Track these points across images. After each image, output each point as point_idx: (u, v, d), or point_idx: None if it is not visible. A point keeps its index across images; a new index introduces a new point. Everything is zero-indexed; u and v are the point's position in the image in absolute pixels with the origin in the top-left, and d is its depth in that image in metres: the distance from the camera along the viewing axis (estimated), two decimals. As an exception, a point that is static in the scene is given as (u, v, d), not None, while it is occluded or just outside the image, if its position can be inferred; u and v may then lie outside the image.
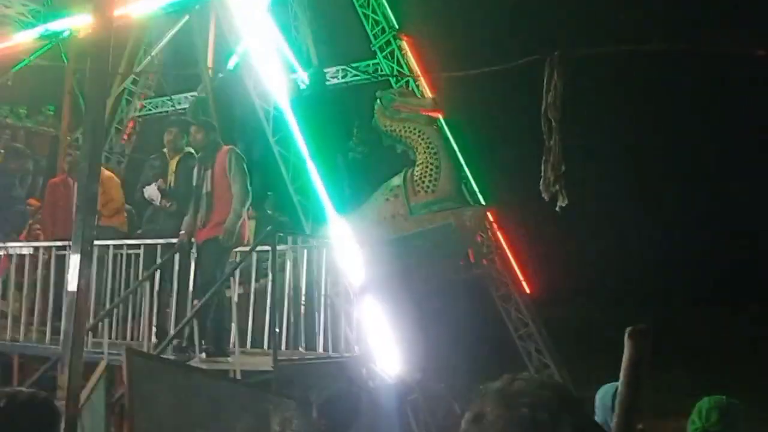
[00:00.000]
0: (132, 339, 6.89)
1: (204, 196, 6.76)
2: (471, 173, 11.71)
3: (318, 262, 7.32)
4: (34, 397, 2.45)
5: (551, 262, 12.11)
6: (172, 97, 15.14)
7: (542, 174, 5.61)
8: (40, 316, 7.37)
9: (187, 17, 11.94)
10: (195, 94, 13.13)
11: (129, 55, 14.66)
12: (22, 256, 7.91)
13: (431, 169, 8.76)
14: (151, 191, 7.22)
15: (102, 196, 6.64)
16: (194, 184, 6.84)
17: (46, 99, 13.32)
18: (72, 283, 3.51)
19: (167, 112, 15.24)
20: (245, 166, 6.78)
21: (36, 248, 7.89)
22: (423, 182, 8.79)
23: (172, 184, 7.29)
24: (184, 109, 15.00)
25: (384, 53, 13.23)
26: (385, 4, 13.45)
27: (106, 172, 8.05)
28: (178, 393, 5.27)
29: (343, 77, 13.54)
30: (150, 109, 15.67)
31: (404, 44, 13.20)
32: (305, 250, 7.38)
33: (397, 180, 9.05)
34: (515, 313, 11.66)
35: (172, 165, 7.38)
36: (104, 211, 7.56)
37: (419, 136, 9.01)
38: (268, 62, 8.96)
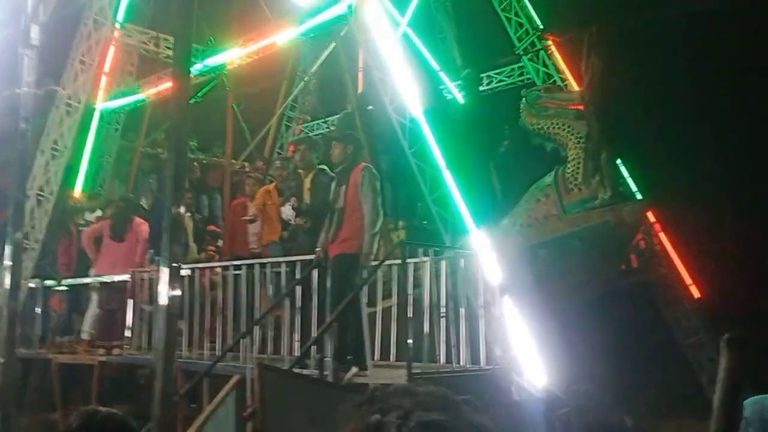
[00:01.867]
0: (275, 353, 7.10)
1: (336, 211, 6.86)
2: (626, 168, 11.00)
3: (457, 273, 7.18)
4: (111, 417, 2.49)
5: (725, 264, 11.06)
6: (327, 119, 15.75)
7: None
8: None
9: (334, 43, 12.35)
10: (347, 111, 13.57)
11: (287, 83, 15.42)
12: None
13: (584, 165, 8.37)
14: (287, 212, 7.45)
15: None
16: (330, 198, 6.96)
17: (215, 134, 14.17)
18: (162, 298, 3.69)
19: (323, 133, 15.82)
20: (378, 184, 6.78)
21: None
22: (576, 179, 8.42)
23: (308, 201, 7.47)
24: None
25: (529, 55, 12.88)
26: (528, 5, 13.12)
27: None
28: (312, 408, 5.32)
29: (488, 84, 13.33)
30: (307, 133, 16.27)
31: (550, 44, 12.77)
32: (443, 261, 7.27)
33: (548, 179, 8.73)
34: (684, 321, 10.79)
35: (307, 182, 7.57)
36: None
37: (569, 132, 8.66)
38: (405, 74, 8.97)
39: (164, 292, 6.40)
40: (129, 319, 9.40)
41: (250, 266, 7.52)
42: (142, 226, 10.27)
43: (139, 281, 9.25)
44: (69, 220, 10.86)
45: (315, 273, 6.94)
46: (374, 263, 6.78)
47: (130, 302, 9.47)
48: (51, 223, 10.39)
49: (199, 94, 14.32)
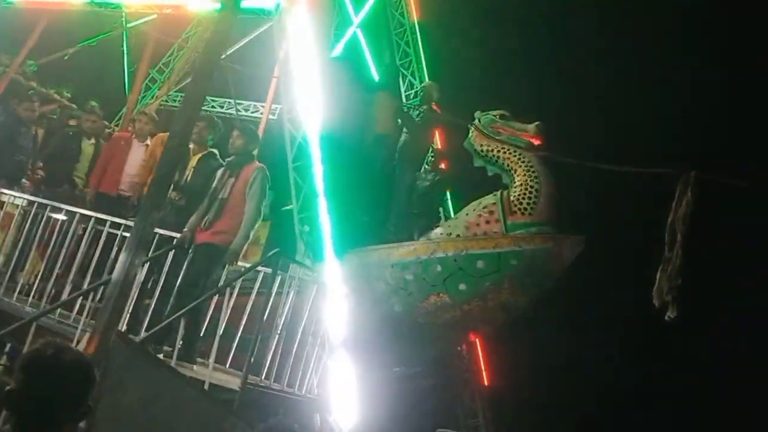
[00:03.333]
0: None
1: (217, 200, 6.71)
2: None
3: (308, 298, 7.25)
4: (81, 359, 2.46)
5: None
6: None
7: (656, 282, 5.64)
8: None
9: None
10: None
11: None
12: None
13: (531, 192, 8.60)
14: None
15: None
16: (213, 186, 6.80)
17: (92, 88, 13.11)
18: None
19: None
20: (267, 188, 6.75)
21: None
22: (521, 204, 8.61)
23: (188, 179, 7.24)
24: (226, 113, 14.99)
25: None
26: (425, 71, 13.69)
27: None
28: (148, 388, 5.12)
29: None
30: (165, 101, 15.53)
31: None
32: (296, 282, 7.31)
33: (491, 199, 8.93)
34: (469, 402, 11.58)
35: (193, 160, 7.34)
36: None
37: (519, 159, 8.91)
38: (313, 91, 8.96)
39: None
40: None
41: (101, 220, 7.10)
42: None
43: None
44: None
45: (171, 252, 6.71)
46: (241, 264, 6.69)
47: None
48: None
49: (92, 39, 13.34)
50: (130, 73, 14.50)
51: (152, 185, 3.90)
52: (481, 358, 12.09)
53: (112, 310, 4.02)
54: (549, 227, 8.51)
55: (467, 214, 9.08)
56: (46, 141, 9.89)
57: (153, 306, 6.58)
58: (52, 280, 7.07)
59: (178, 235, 6.76)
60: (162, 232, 6.78)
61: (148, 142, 8.91)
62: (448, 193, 12.10)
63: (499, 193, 8.90)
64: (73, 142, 9.19)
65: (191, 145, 7.36)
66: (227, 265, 6.66)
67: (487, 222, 8.76)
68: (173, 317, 5.90)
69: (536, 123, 9.00)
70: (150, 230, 4.37)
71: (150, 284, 6.92)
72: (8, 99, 9.75)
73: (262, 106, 13.48)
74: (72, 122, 10.33)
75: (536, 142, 9.10)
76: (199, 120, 7.33)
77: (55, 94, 11.82)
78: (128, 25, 12.70)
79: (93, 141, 9.29)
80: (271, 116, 12.90)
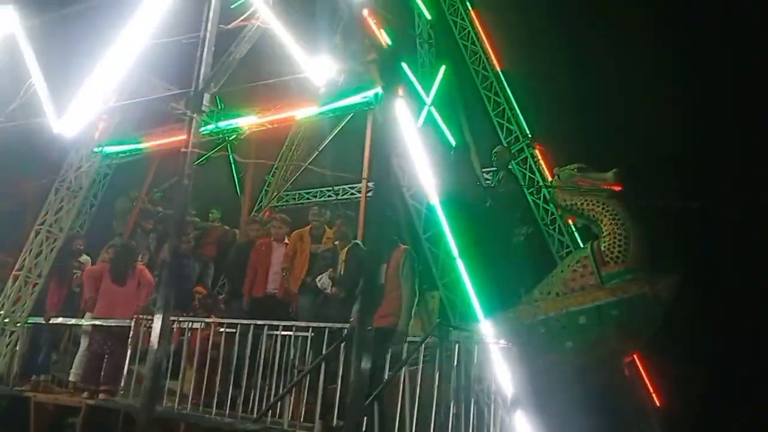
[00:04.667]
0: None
1: (378, 287, 7.29)
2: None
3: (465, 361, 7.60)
4: None
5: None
6: (310, 190, 16.27)
7: None
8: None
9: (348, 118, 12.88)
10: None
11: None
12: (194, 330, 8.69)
13: (620, 239, 8.88)
14: (324, 280, 7.87)
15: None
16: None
17: (211, 200, 14.38)
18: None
19: (302, 203, 16.28)
20: (416, 266, 7.30)
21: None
22: (612, 253, 8.89)
23: (341, 272, 7.91)
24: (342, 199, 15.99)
25: (517, 160, 13.82)
26: (519, 114, 14.14)
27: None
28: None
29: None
30: (287, 201, 16.65)
31: (537, 152, 13.77)
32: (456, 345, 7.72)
33: (583, 252, 9.23)
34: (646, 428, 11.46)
35: (342, 255, 8.03)
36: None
37: (603, 208, 9.21)
38: (424, 163, 9.52)
39: (155, 341, 6.73)
40: (126, 365, 9.43)
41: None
42: (145, 271, 10.42)
43: (144, 328, 9.33)
44: (69, 260, 10.86)
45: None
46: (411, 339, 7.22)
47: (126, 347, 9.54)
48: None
49: (203, 157, 14.71)
50: (239, 180, 15.78)
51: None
52: (647, 380, 12.00)
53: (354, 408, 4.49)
54: (643, 272, 8.68)
55: (563, 271, 9.36)
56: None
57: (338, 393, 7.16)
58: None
59: (344, 326, 7.38)
60: (331, 325, 7.45)
61: (286, 241, 9.76)
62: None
63: (589, 244, 9.11)
64: (245, 254, 10.02)
65: (336, 242, 8.09)
66: (396, 344, 7.17)
67: (582, 276, 9.02)
68: (368, 401, 6.44)
69: (614, 170, 9.28)
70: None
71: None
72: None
73: (350, 187, 14.69)
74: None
75: (616, 189, 9.35)
76: (336, 218, 8.08)
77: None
78: (231, 138, 13.91)
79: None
80: (369, 194, 13.71)
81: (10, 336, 9.85)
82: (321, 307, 8.09)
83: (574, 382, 8.91)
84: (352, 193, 15.47)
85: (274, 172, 16.56)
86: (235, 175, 15.59)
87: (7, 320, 9.90)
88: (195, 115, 6.02)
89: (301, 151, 15.91)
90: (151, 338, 6.82)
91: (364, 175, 13.32)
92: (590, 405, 10.02)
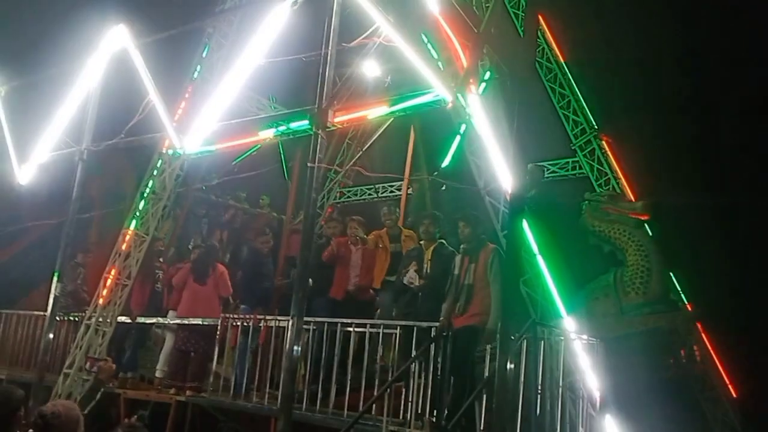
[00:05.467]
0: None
1: (465, 286, 7.43)
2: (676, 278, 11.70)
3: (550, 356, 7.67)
4: None
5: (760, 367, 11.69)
6: (373, 186, 16.49)
7: None
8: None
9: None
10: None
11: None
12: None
13: (642, 272, 9.02)
14: (410, 275, 8.03)
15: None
16: (455, 273, 7.53)
17: (262, 188, 14.76)
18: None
19: (364, 199, 16.50)
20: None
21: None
22: (634, 284, 9.05)
23: (428, 271, 8.05)
24: (382, 197, 16.22)
25: (584, 152, 13.76)
26: (585, 106, 14.05)
27: None
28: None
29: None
30: (349, 197, 16.88)
31: (604, 144, 13.68)
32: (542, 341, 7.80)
33: (607, 279, 9.34)
34: (722, 418, 11.40)
35: (428, 253, 8.17)
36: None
37: (629, 238, 9.33)
38: (501, 161, 9.55)
39: (291, 345, 6.93)
40: (214, 363, 9.76)
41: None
42: (225, 273, 10.73)
43: (230, 327, 9.63)
44: (153, 260, 11.25)
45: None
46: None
47: (211, 346, 9.86)
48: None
49: (253, 149, 15.05)
50: (287, 167, 16.04)
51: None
52: (722, 372, 11.92)
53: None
54: (662, 305, 8.73)
55: (587, 295, 9.40)
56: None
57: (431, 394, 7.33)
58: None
59: (434, 324, 7.53)
60: (419, 324, 7.61)
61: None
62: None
63: (613, 272, 9.12)
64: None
65: (422, 241, 8.23)
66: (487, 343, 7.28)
67: (604, 304, 9.19)
68: (471, 399, 6.59)
69: (643, 201, 9.30)
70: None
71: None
72: (245, 234, 11.20)
73: (389, 186, 15.01)
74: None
75: (644, 218, 9.40)
76: (425, 218, 8.21)
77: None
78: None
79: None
80: (409, 191, 13.89)
81: (103, 337, 10.25)
82: (407, 305, 8.25)
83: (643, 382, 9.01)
84: (391, 191, 15.73)
85: (336, 169, 16.77)
86: (283, 161, 15.84)
87: (100, 320, 10.29)
88: (320, 131, 6.24)
89: (354, 149, 16.12)
90: (287, 342, 6.97)
91: (407, 174, 13.70)
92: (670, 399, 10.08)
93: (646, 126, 13.59)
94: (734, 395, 11.85)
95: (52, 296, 9.97)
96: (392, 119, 13.10)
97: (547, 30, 14.52)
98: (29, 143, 10.82)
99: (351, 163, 15.88)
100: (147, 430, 3.83)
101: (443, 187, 11.76)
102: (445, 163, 12.64)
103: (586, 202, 10.34)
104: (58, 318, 10.40)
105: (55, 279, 10.01)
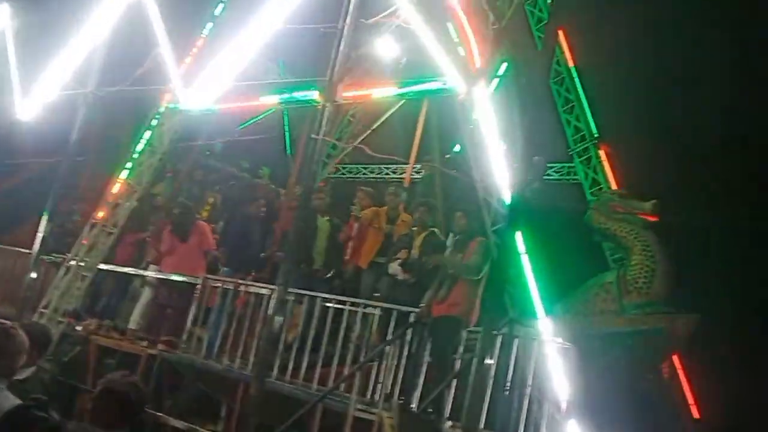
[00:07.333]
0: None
1: (449, 276, 7.50)
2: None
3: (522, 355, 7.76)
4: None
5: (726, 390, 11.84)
6: (367, 165, 16.51)
7: None
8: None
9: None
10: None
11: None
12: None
13: (646, 271, 9.05)
14: (394, 268, 8.11)
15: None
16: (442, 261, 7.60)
17: (264, 161, 14.72)
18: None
19: (359, 178, 16.51)
20: (490, 258, 7.47)
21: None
22: (636, 283, 9.08)
23: (416, 257, 8.11)
24: (376, 178, 16.26)
25: (581, 158, 13.85)
26: (588, 113, 14.12)
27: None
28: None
29: (537, 175, 14.18)
30: (343, 173, 16.88)
31: (602, 154, 13.76)
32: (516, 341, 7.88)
33: (609, 276, 9.41)
34: (681, 437, 11.60)
35: (418, 240, 8.23)
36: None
37: (635, 238, 9.35)
38: (500, 158, 9.57)
39: (273, 314, 7.00)
40: (189, 321, 9.76)
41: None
42: (206, 229, 10.71)
43: (209, 288, 9.66)
44: (147, 215, 11.23)
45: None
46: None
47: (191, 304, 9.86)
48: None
49: (257, 118, 15.03)
50: (291, 141, 16.06)
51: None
52: (688, 391, 12.11)
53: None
54: (664, 306, 8.76)
55: (586, 292, 9.44)
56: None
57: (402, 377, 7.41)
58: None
59: (414, 310, 7.60)
60: (399, 308, 7.68)
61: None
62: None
63: (616, 271, 9.17)
64: (311, 221, 10.13)
65: (414, 228, 8.28)
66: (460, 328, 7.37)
67: (604, 301, 9.16)
68: (443, 385, 6.67)
69: (653, 201, 9.30)
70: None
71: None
72: (240, 202, 11.19)
73: (392, 169, 15.10)
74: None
75: (652, 220, 9.39)
76: (421, 205, 8.26)
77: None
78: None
79: (327, 218, 10.31)
80: (415, 175, 13.90)
81: (82, 280, 10.26)
82: (389, 289, 8.32)
83: (623, 387, 9.10)
84: (389, 173, 15.75)
85: (336, 143, 16.75)
86: (287, 134, 15.81)
87: (82, 264, 10.30)
88: (328, 104, 6.26)
89: (356, 126, 16.10)
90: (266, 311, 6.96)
91: (412, 159, 13.68)
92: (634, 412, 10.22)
93: (647, 141, 13.67)
94: (697, 416, 12.08)
95: (39, 235, 9.95)
96: (404, 102, 13.19)
97: (561, 35, 14.52)
98: (35, 81, 10.74)
99: (358, 140, 15.93)
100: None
101: (454, 170, 11.75)
102: (458, 148, 12.65)
103: (596, 198, 10.34)
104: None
105: (44, 219, 9.99)
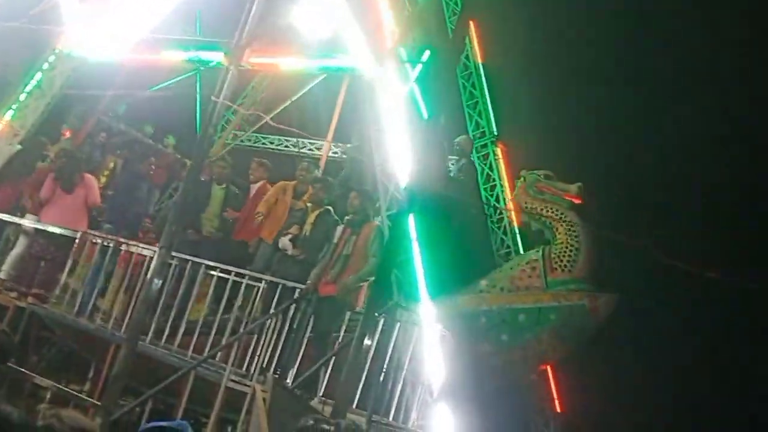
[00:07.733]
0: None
1: (342, 256, 7.50)
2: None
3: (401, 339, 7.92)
4: None
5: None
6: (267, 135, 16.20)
7: None
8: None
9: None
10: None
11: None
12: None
13: (571, 250, 9.33)
14: (285, 242, 8.03)
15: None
16: (334, 241, 7.60)
17: (168, 126, 14.18)
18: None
19: (258, 148, 16.19)
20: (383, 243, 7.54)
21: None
22: (561, 261, 9.35)
23: (307, 234, 8.07)
24: (273, 149, 15.99)
25: (479, 155, 14.13)
26: (491, 111, 14.41)
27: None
28: (291, 426, 5.88)
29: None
30: (242, 141, 16.51)
31: (499, 152, 14.10)
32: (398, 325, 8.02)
33: (534, 254, 9.66)
34: (543, 430, 12.15)
35: (311, 217, 8.18)
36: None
37: (561, 217, 9.63)
38: (403, 144, 9.62)
39: (153, 277, 6.80)
40: (64, 275, 9.34)
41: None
42: (93, 183, 10.25)
43: (89, 244, 9.26)
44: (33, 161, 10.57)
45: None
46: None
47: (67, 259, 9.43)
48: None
49: (169, 82, 14.47)
50: (202, 112, 15.59)
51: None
52: (552, 386, 12.67)
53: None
54: (587, 285, 9.20)
55: (512, 268, 9.81)
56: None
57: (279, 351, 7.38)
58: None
59: (300, 286, 7.57)
60: (285, 282, 7.63)
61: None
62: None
63: (541, 249, 9.55)
64: (206, 188, 9.92)
65: (308, 204, 8.22)
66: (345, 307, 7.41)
67: (530, 277, 9.50)
68: (320, 364, 6.69)
69: (578, 184, 9.72)
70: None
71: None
72: (127, 157, 10.74)
73: (316, 146, 14.73)
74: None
75: (577, 202, 9.84)
76: (317, 182, 8.20)
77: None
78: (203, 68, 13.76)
79: (224, 186, 10.08)
80: (332, 154, 13.85)
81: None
82: (279, 264, 8.24)
83: (498, 374, 9.42)
84: (310, 149, 15.56)
85: (235, 110, 16.38)
86: (198, 105, 15.35)
87: (-50, 206, 9.63)
88: (233, 67, 6.05)
89: (266, 95, 15.80)
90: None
91: (329, 136, 13.56)
92: (503, 399, 10.61)
93: (547, 140, 14.11)
94: (559, 409, 12.67)
95: None
96: (326, 77, 12.97)
97: (471, 26, 14.72)
98: None
99: (274, 113, 15.60)
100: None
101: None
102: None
103: (522, 178, 10.55)
104: None
105: None
